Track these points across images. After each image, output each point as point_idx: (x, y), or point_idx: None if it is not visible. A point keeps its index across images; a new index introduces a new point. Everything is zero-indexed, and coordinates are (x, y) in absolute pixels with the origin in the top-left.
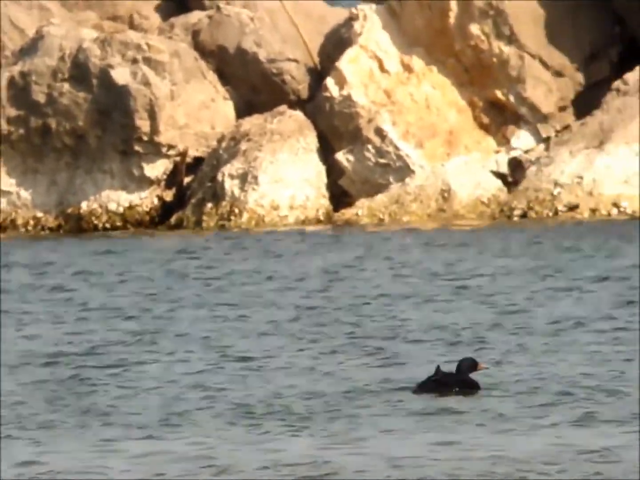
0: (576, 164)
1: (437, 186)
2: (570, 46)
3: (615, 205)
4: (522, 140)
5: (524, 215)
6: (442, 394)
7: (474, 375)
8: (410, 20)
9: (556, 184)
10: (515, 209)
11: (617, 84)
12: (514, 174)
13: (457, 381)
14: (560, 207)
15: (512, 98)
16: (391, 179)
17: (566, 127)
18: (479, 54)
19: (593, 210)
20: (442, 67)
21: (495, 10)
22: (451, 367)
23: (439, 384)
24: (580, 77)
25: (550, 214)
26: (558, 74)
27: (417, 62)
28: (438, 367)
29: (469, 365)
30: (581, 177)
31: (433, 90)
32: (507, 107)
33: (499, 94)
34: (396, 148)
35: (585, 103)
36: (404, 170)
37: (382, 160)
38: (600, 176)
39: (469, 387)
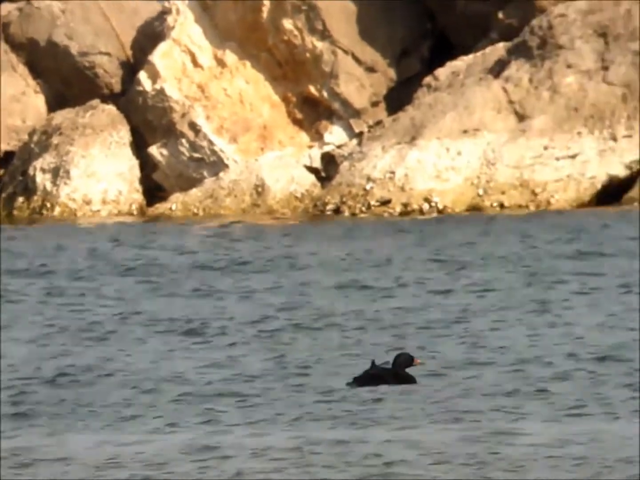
0: (388, 159)
1: (251, 181)
2: (383, 42)
3: (427, 200)
4: (335, 135)
5: (337, 210)
6: (377, 386)
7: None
8: (223, 14)
9: (369, 179)
10: (328, 204)
11: (428, 79)
12: (327, 169)
13: (392, 375)
14: (372, 202)
15: (325, 93)
16: (205, 174)
17: (378, 123)
18: (292, 49)
19: (405, 205)
20: (255, 62)
21: (308, 6)
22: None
23: (374, 377)
24: (392, 73)
25: (364, 209)
26: (370, 69)
27: (230, 57)
28: (373, 361)
29: (405, 360)
30: (393, 172)
31: (246, 85)
32: (320, 103)
33: (312, 89)
34: (210, 143)
35: (398, 98)
36: (218, 165)
37: (196, 155)
38: (412, 171)
39: (405, 382)
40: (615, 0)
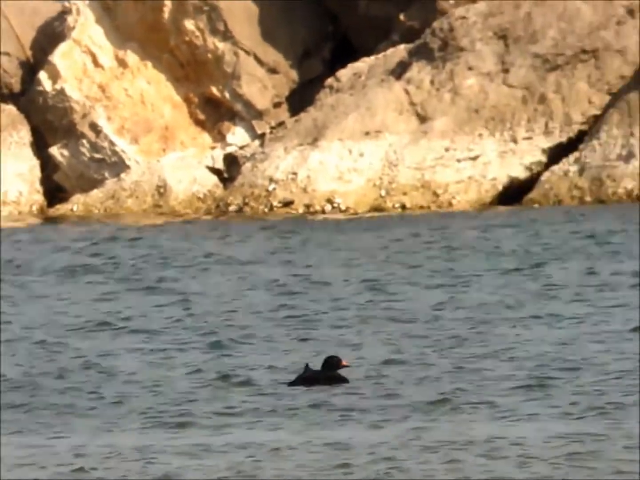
0: (291, 160)
1: (153, 182)
2: (285, 43)
3: (329, 201)
4: (237, 136)
5: (239, 211)
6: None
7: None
8: (124, 15)
9: (271, 180)
10: (231, 204)
11: (330, 81)
12: (229, 170)
13: (325, 377)
14: (275, 203)
15: (227, 94)
16: (106, 174)
17: (281, 124)
18: (194, 50)
19: (307, 206)
20: (157, 63)
21: (209, 7)
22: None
23: (309, 380)
24: (294, 74)
25: (266, 210)
26: (273, 70)
27: (131, 57)
28: (307, 365)
29: (335, 362)
30: (295, 174)
31: (148, 85)
32: (222, 103)
33: (214, 90)
34: (111, 143)
35: (300, 100)
36: (119, 166)
37: (97, 156)
38: (314, 172)
39: (338, 382)
40: (515, 2)
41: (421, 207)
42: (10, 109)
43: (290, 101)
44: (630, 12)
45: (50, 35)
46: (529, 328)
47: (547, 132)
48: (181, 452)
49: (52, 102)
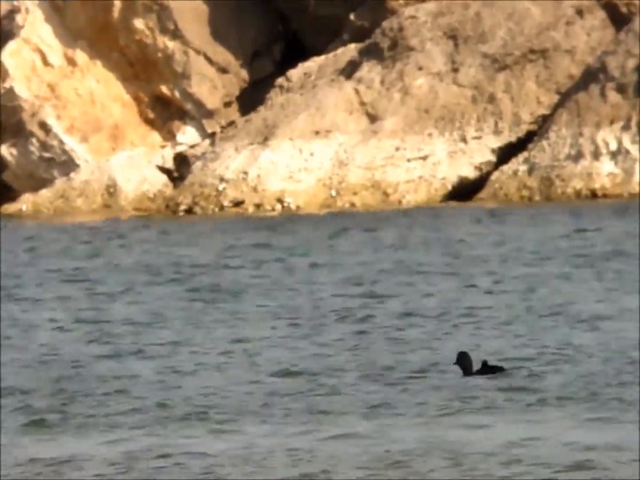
0: (241, 159)
1: (103, 181)
2: (235, 43)
3: (280, 200)
4: (187, 135)
5: (189, 211)
6: None
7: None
8: (73, 14)
9: (222, 179)
10: (181, 204)
11: (280, 80)
12: (179, 169)
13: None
14: (225, 203)
15: (177, 93)
16: (56, 174)
17: (231, 123)
18: (144, 49)
19: (258, 206)
20: (106, 62)
21: (159, 6)
22: None
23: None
24: (244, 74)
25: (217, 209)
26: (223, 70)
27: (81, 56)
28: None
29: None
30: (246, 173)
31: (97, 84)
32: (172, 103)
33: (164, 89)
34: (61, 142)
35: (250, 99)
36: (69, 165)
37: (46, 155)
38: (264, 172)
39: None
40: (464, 2)
41: (371, 206)
42: None
43: (240, 101)
44: (579, 12)
45: None
46: None
47: (496, 131)
48: None
49: (1, 101)
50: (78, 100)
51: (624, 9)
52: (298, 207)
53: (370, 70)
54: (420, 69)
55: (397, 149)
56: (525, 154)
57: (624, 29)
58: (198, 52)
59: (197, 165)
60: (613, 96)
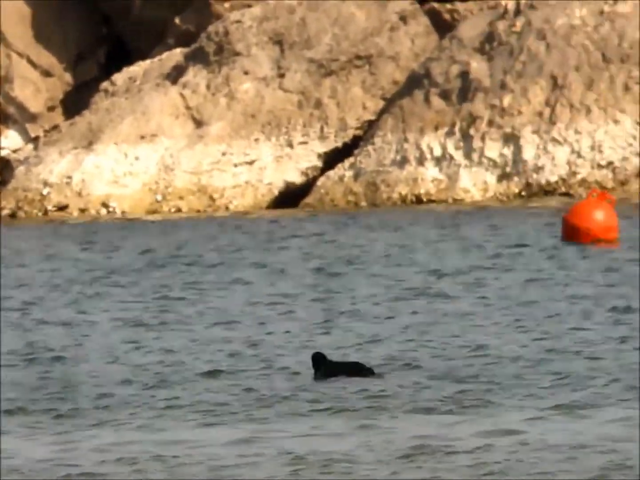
0: (65, 164)
1: None
2: (59, 46)
3: (105, 205)
4: (10, 139)
5: (13, 215)
6: None
7: None
8: None
9: (45, 183)
10: (4, 209)
11: (105, 84)
12: (2, 173)
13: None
14: (50, 207)
15: (0, 97)
16: None
17: (55, 127)
18: None
19: (82, 210)
20: None
21: None
22: None
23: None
24: (69, 77)
25: (40, 214)
26: (46, 73)
27: None
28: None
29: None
30: (70, 177)
31: None
32: None
33: None
34: None
35: (75, 103)
36: None
37: None
38: (89, 176)
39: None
40: (290, 7)
41: (197, 211)
42: None
43: (64, 104)
44: (403, 18)
45: None
46: None
47: (322, 137)
48: None
49: None
50: None
51: (447, 16)
52: (123, 212)
53: (195, 75)
54: (246, 73)
55: (224, 153)
56: (351, 159)
57: (447, 35)
58: (21, 55)
59: (20, 169)
60: (437, 102)
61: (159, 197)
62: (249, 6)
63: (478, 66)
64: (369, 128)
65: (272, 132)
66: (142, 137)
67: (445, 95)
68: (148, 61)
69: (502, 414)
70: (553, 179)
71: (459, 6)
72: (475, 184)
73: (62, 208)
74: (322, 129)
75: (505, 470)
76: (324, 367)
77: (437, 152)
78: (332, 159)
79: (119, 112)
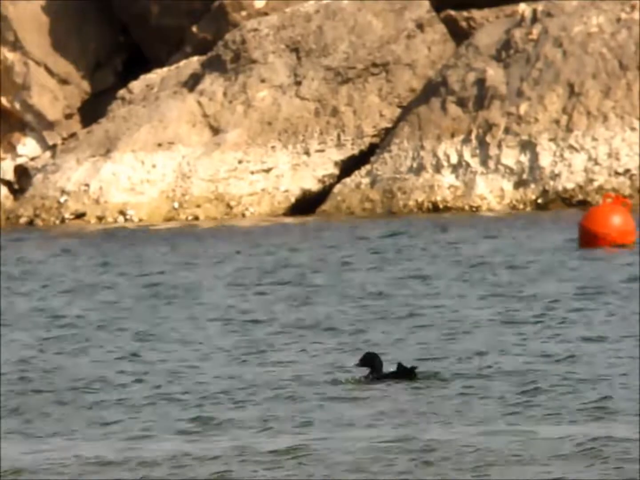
0: (83, 171)
1: None
2: (76, 54)
3: (122, 213)
4: (28, 147)
5: (30, 223)
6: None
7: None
8: None
9: (63, 191)
10: (21, 216)
11: (122, 92)
12: (20, 181)
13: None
14: (67, 215)
15: (17, 105)
16: None
17: (73, 135)
18: None
19: (100, 218)
20: None
21: None
22: None
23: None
24: (86, 85)
25: (58, 221)
26: (64, 81)
27: None
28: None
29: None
30: (88, 185)
31: None
32: (12, 114)
33: (4, 100)
34: None
35: (92, 111)
36: None
37: None
38: (106, 184)
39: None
40: (306, 15)
41: (214, 219)
42: None
43: (82, 112)
44: (420, 26)
45: None
46: None
47: (339, 144)
48: None
49: None
50: None
51: (463, 23)
52: (140, 220)
53: (212, 83)
54: (263, 81)
55: (240, 161)
56: (367, 166)
57: (464, 43)
58: (38, 63)
59: (37, 177)
60: (454, 109)
61: (176, 205)
62: (266, 14)
63: (495, 74)
64: (386, 135)
65: (288, 140)
66: (159, 145)
67: (461, 103)
68: (165, 69)
69: None
70: (570, 186)
71: (476, 14)
72: (492, 191)
73: (79, 216)
74: (338, 136)
75: None
76: (379, 367)
77: (454, 159)
78: (348, 167)
79: (136, 120)
